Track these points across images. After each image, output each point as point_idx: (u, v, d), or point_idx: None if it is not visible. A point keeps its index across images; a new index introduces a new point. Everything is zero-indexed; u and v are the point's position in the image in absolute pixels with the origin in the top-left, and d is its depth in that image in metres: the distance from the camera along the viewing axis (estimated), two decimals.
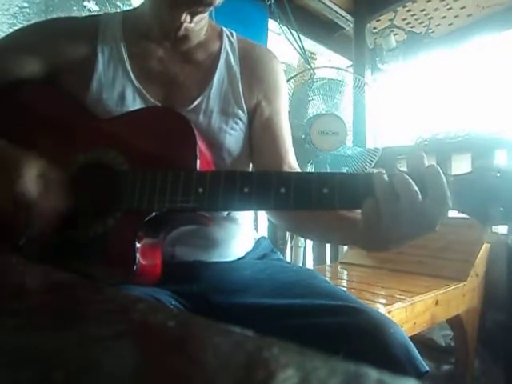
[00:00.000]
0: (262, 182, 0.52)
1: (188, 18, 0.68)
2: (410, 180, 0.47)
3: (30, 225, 0.55)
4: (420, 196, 0.47)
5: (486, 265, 1.52)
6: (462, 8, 2.23)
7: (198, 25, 0.72)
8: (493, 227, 1.43)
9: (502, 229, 1.54)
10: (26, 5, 1.39)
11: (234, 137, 0.72)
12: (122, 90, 0.69)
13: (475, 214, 0.50)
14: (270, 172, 0.53)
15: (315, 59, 2.62)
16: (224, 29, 0.79)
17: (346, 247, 1.90)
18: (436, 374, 1.54)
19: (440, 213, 0.47)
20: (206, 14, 0.72)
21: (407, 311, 1.10)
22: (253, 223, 1.72)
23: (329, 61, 2.69)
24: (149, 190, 0.55)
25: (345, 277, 1.60)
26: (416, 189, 0.47)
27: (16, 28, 0.78)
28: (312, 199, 0.50)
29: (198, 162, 0.56)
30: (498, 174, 0.49)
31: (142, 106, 0.69)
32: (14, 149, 0.58)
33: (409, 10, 2.27)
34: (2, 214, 0.55)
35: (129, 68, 0.71)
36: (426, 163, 0.49)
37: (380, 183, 0.48)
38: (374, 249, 0.61)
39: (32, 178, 0.55)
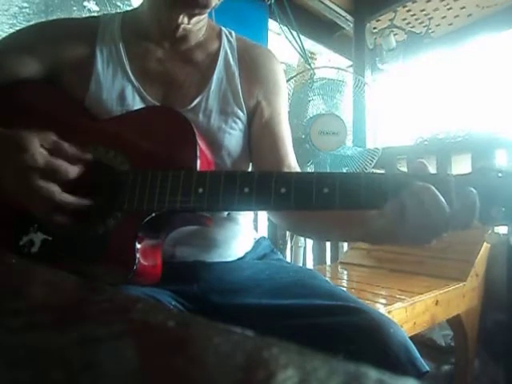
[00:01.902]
0: (262, 182, 0.52)
1: (186, 19, 0.69)
2: (439, 195, 0.47)
3: (48, 198, 0.53)
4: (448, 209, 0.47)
5: (485, 265, 1.52)
6: (462, 8, 2.23)
7: (196, 25, 0.72)
8: (494, 228, 1.43)
9: (503, 229, 1.54)
10: (25, 5, 1.39)
11: (233, 136, 0.72)
12: (121, 90, 0.69)
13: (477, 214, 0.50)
14: (270, 172, 0.53)
15: (315, 59, 2.62)
16: (223, 28, 0.79)
17: (346, 247, 1.90)
18: (436, 374, 1.54)
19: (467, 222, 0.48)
20: (205, 15, 0.72)
21: (407, 311, 1.10)
22: (253, 223, 1.72)
23: (329, 61, 2.69)
24: (149, 190, 0.55)
25: (345, 277, 1.60)
26: (444, 202, 0.47)
27: (16, 28, 0.78)
28: (312, 199, 0.50)
29: (199, 161, 0.56)
30: (500, 175, 0.49)
31: (142, 105, 0.69)
32: (6, 130, 0.56)
33: (409, 10, 2.27)
34: (14, 200, 0.54)
35: (128, 68, 0.71)
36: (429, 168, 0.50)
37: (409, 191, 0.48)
38: (389, 243, 0.61)
39: (36, 148, 0.53)
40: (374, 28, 2.38)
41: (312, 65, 2.02)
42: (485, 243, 1.49)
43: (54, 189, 0.53)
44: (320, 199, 0.50)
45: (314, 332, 0.56)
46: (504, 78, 2.67)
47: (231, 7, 1.69)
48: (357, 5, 2.25)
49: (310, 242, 1.95)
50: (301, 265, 1.79)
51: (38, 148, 0.53)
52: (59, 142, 0.56)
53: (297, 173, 0.64)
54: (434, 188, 0.47)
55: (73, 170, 0.55)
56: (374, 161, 1.62)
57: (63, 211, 0.55)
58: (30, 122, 0.66)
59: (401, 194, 0.48)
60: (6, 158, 0.54)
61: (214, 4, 0.66)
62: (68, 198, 0.54)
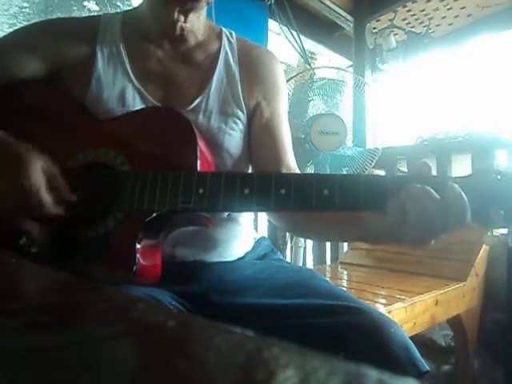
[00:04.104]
0: (262, 183, 0.52)
1: (182, 17, 0.69)
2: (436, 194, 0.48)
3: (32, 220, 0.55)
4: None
5: (485, 265, 1.52)
6: (462, 8, 2.23)
7: (194, 24, 0.72)
8: (493, 230, 1.43)
9: (502, 229, 1.53)
10: (26, 5, 1.39)
11: (233, 137, 0.72)
12: (121, 90, 0.69)
13: (476, 216, 0.49)
14: (270, 173, 0.53)
15: (315, 59, 2.62)
16: (223, 29, 0.79)
17: (346, 247, 1.90)
18: (436, 374, 1.54)
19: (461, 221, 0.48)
20: (202, 13, 0.72)
21: (407, 311, 1.10)
22: (253, 223, 1.72)
23: (329, 61, 2.69)
24: (149, 191, 0.55)
25: (345, 277, 1.60)
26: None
27: (16, 28, 0.78)
28: (312, 201, 0.50)
29: (199, 162, 0.56)
30: (499, 177, 0.49)
31: (142, 106, 0.69)
32: (14, 141, 0.58)
33: (409, 10, 2.27)
34: (4, 210, 0.55)
35: (128, 68, 0.71)
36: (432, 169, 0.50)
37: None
38: (388, 243, 0.62)
39: (37, 170, 0.55)
40: (374, 28, 2.38)
41: (312, 65, 2.02)
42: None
43: (29, 224, 0.56)
44: (320, 201, 0.50)
45: (314, 332, 0.56)
46: (504, 78, 2.67)
47: (231, 7, 1.70)
48: (357, 5, 2.25)
49: (310, 242, 1.95)
50: (301, 265, 1.79)
51: (38, 172, 0.55)
52: (59, 178, 0.57)
53: (297, 174, 0.64)
54: (432, 190, 0.48)
55: (54, 211, 0.56)
56: (374, 161, 1.62)
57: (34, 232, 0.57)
58: (30, 123, 0.66)
59: (401, 197, 0.48)
60: (7, 167, 0.56)
61: None
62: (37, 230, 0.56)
